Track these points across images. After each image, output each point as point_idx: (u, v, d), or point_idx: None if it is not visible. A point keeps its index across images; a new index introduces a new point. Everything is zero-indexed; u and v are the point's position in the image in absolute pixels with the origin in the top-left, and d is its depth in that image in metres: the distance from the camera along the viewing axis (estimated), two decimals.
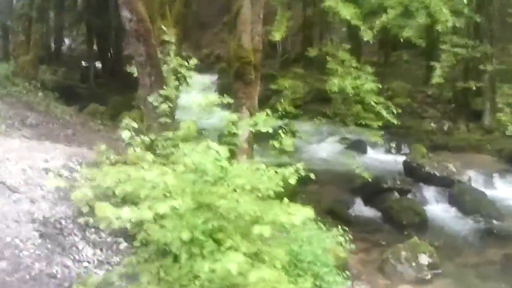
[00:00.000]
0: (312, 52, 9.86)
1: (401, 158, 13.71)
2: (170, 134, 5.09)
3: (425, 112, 17.03)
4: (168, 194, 3.58)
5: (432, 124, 16.12)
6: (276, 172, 5.02)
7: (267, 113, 5.82)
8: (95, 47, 22.98)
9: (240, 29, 8.62)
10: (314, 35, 24.27)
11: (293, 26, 27.09)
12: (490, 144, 14.47)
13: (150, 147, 6.08)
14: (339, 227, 6.63)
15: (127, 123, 4.72)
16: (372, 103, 8.36)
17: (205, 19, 29.86)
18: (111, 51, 22.86)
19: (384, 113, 8.34)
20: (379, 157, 14.44)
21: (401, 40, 8.90)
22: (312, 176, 5.15)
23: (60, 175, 5.64)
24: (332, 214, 9.89)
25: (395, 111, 8.72)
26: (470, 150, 14.59)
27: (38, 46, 14.11)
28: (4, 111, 9.11)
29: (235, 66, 8.81)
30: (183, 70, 5.75)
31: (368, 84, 8.50)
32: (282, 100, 9.12)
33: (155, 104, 5.51)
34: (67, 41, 28.57)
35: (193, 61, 5.66)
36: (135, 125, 4.79)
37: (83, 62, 24.56)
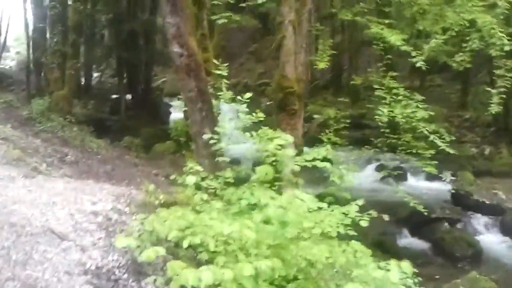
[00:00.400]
0: (357, 81, 9.42)
1: (443, 185, 13.11)
2: (228, 174, 4.67)
3: (463, 137, 16.36)
4: (244, 249, 3.14)
5: (473, 149, 15.44)
6: (345, 214, 4.62)
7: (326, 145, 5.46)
8: (124, 80, 22.97)
9: (283, 59, 8.30)
10: (344, 62, 23.97)
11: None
12: None
13: (199, 187, 5.67)
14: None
15: (191, 166, 4.31)
16: (425, 132, 7.87)
17: (231, 49, 29.80)
18: (141, 84, 22.80)
19: (438, 142, 7.83)
20: (420, 185, 13.81)
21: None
22: (374, 214, 4.77)
23: (110, 219, 5.26)
24: (381, 247, 9.33)
25: (448, 139, 8.21)
26: None
27: (72, 82, 14.00)
28: (42, 148, 8.85)
29: (279, 96, 8.46)
30: (236, 105, 5.36)
31: (420, 112, 8.04)
32: (327, 131, 8.67)
33: (210, 141, 5.13)
34: (95, 74, 28.76)
35: (247, 95, 5.27)
36: (200, 168, 4.37)
37: (112, 95, 24.60)
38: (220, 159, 4.88)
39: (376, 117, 8.09)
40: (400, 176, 14.18)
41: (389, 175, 14.11)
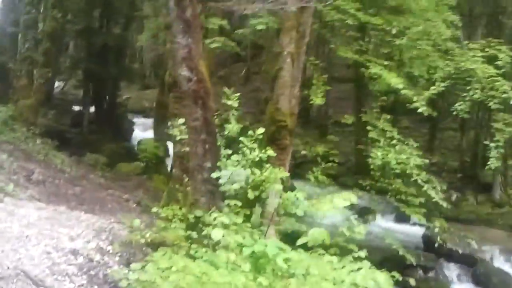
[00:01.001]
0: (349, 120, 9.02)
1: (412, 228, 12.86)
2: (239, 219, 4.03)
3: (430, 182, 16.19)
4: None
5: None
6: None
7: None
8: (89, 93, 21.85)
9: (278, 92, 7.79)
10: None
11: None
12: (501, 218, 13.72)
13: (194, 226, 5.00)
14: None
15: (215, 217, 3.64)
16: (420, 181, 7.49)
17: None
18: (106, 98, 21.76)
19: (432, 193, 7.47)
20: (390, 226, 13.47)
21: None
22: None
23: (91, 260, 4.50)
24: None
25: (439, 188, 7.87)
26: (480, 223, 13.81)
27: (41, 91, 12.93)
28: (7, 163, 7.91)
29: (271, 130, 7.91)
30: (246, 141, 4.78)
31: (414, 159, 7.67)
32: (314, 169, 8.15)
33: (215, 177, 4.52)
34: (56, 83, 27.39)
35: (260, 131, 4.71)
36: (226, 220, 3.70)
37: (73, 106, 23.41)
38: (233, 202, 4.24)
39: (370, 160, 7.68)
40: (369, 216, 13.85)
41: (357, 214, 13.78)
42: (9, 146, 10.11)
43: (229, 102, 4.87)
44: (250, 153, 4.78)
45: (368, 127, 8.04)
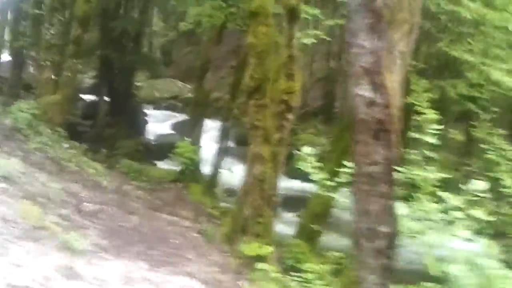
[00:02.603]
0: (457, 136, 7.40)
1: None
2: None
3: None
4: None
5: None
6: None
7: None
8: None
9: None
10: (337, 89, 22.02)
11: (314, 79, 24.93)
12: None
13: None
14: None
15: None
16: None
17: (213, 61, 27.24)
18: (122, 88, 19.68)
19: None
20: None
21: None
22: None
23: None
24: None
25: None
26: None
27: (70, 86, 10.84)
28: (52, 191, 6.06)
29: None
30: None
31: None
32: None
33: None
34: None
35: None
36: None
37: (82, 95, 21.22)
38: None
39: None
40: None
41: None
42: (39, 156, 8.26)
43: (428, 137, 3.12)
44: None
45: (482, 145, 6.42)
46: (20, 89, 14.58)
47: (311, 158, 4.58)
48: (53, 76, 10.83)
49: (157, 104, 26.35)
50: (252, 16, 6.84)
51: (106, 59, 17.96)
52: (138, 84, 26.84)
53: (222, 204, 12.77)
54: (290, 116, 7.32)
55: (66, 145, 10.04)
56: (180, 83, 29.21)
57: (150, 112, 23.87)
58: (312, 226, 10.81)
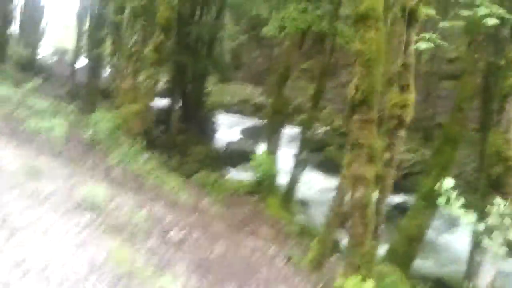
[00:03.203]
0: None
1: None
2: None
3: None
4: None
5: None
6: None
7: None
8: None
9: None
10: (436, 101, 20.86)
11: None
12: None
13: None
14: None
15: None
16: None
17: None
18: (194, 94, 19.43)
19: None
20: None
21: None
22: None
23: None
24: None
25: None
26: None
27: (149, 96, 10.56)
28: (142, 220, 5.59)
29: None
30: None
31: None
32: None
33: None
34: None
35: None
36: None
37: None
38: None
39: None
40: None
41: None
42: (120, 173, 7.93)
43: None
44: None
45: None
46: (97, 96, 14.58)
47: (454, 194, 3.84)
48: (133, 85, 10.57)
49: (226, 108, 26.08)
50: (360, 20, 6.09)
51: (180, 64, 17.75)
52: (209, 88, 26.74)
53: (299, 217, 12.18)
54: (402, 133, 6.58)
55: (145, 156, 9.72)
56: (250, 87, 28.83)
57: (219, 117, 23.62)
58: (404, 250, 9.95)
